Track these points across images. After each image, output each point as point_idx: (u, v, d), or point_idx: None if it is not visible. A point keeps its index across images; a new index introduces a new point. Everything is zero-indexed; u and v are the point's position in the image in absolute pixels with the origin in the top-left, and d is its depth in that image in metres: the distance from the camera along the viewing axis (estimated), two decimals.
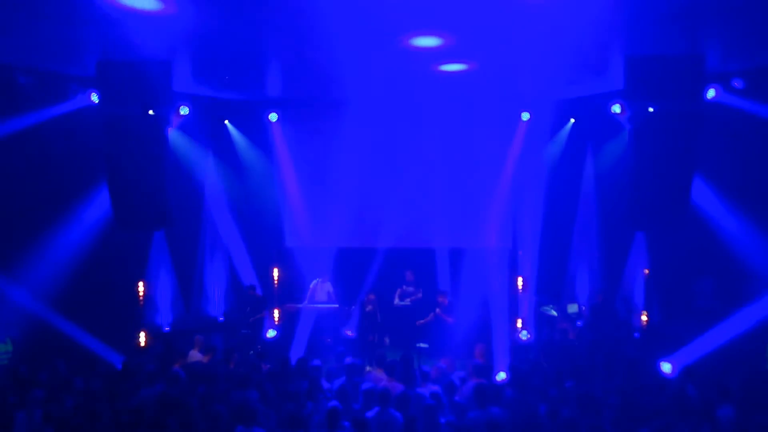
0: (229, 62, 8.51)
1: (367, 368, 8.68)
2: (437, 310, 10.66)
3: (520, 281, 11.79)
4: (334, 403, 6.35)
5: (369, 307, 10.64)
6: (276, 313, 11.32)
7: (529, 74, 9.26)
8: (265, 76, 9.80)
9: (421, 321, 10.82)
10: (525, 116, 11.71)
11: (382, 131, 12.12)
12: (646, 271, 10.70)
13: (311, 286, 11.81)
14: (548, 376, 7.31)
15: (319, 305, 11.57)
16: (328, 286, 11.75)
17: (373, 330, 10.56)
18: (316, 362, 7.65)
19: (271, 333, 10.62)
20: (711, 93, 8.60)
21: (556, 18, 6.25)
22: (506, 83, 10.05)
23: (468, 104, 11.52)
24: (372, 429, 5.79)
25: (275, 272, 12.17)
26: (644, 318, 10.48)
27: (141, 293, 10.43)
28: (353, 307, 11.34)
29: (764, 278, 8.82)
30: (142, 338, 10.03)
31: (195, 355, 8.77)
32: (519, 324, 11.04)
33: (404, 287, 11.68)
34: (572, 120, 11.77)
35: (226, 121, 12.11)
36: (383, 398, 6.13)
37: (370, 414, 6.00)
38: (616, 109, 10.10)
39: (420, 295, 11.45)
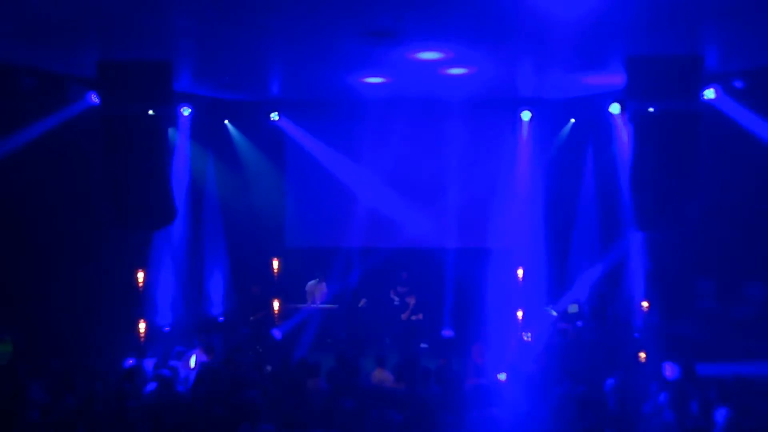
0: (229, 63, 8.51)
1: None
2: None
3: (520, 272, 11.80)
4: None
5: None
6: (276, 305, 11.29)
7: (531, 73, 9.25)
8: (267, 76, 9.78)
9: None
10: (526, 115, 11.71)
11: (382, 131, 12.14)
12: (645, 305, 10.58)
13: (307, 288, 11.84)
14: (548, 376, 7.32)
15: (319, 305, 11.59)
16: (323, 287, 11.78)
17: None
18: (316, 362, 7.68)
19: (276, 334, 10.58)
20: (709, 93, 8.58)
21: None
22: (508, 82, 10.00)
23: (468, 104, 11.53)
24: (370, 429, 5.81)
25: (275, 264, 12.16)
26: (645, 305, 10.39)
27: (140, 283, 10.40)
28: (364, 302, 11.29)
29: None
30: (142, 327, 9.98)
31: (198, 355, 8.76)
32: (519, 315, 11.02)
33: (398, 288, 11.69)
34: (572, 120, 11.80)
35: (226, 121, 12.12)
36: (382, 398, 6.14)
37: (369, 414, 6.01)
38: (616, 109, 10.11)
39: (413, 300, 11.37)
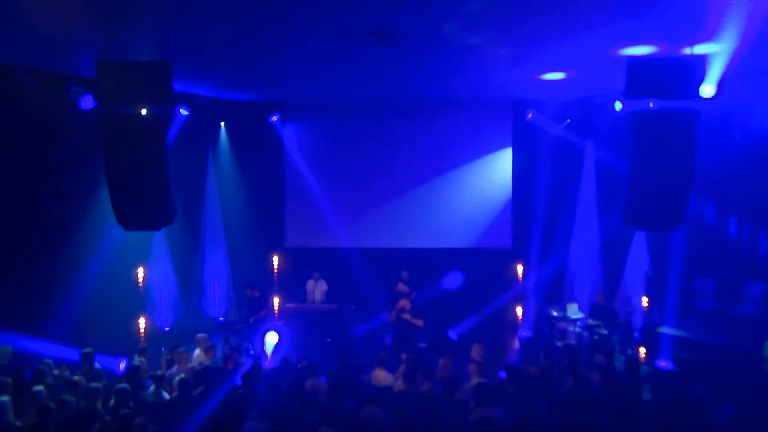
0: (229, 63, 8.51)
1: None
2: (403, 315, 10.06)
3: (519, 268, 11.80)
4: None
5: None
6: (276, 302, 11.26)
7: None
8: (268, 76, 9.79)
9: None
10: (527, 115, 11.73)
11: (382, 132, 12.16)
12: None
13: (308, 287, 11.83)
14: (548, 376, 7.31)
15: (319, 305, 11.59)
16: (323, 285, 11.76)
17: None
18: (316, 361, 7.68)
19: (275, 338, 10.54)
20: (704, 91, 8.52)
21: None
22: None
23: (468, 104, 11.54)
24: (370, 429, 5.80)
25: (275, 260, 12.17)
26: (645, 302, 10.38)
27: (140, 279, 10.41)
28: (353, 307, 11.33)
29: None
30: (142, 324, 9.97)
31: (199, 354, 8.74)
32: (519, 315, 11.00)
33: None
34: (568, 120, 11.82)
35: (222, 123, 12.15)
36: (382, 398, 6.14)
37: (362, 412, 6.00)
38: (617, 107, 10.09)
39: (415, 294, 11.37)
